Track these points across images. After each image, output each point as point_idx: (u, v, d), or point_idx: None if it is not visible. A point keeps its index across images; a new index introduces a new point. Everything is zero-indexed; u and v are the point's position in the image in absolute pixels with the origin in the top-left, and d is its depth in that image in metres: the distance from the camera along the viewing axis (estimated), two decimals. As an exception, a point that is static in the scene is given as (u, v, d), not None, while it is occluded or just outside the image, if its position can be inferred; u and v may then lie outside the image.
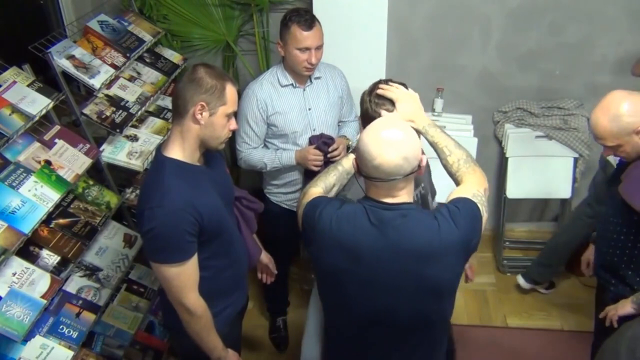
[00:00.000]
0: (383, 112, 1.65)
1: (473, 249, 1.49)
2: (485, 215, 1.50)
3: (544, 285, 3.16)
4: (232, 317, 1.91)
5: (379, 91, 1.68)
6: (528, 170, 3.21)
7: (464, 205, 1.47)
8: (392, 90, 1.67)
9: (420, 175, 1.85)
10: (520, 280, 3.15)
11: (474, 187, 1.54)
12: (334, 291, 1.56)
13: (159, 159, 1.69)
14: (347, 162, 1.70)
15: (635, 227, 1.88)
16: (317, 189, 1.64)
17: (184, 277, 1.66)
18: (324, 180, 1.68)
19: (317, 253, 1.53)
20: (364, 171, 1.45)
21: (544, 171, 3.20)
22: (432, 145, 1.64)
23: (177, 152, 1.67)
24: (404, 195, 1.46)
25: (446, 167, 1.63)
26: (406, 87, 1.72)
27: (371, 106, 1.68)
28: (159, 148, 1.72)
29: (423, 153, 1.49)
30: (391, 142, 1.39)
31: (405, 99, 1.66)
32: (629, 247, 1.92)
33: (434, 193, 2.06)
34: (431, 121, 1.66)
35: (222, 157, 1.95)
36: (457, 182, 1.60)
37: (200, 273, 1.70)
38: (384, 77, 2.96)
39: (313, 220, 1.51)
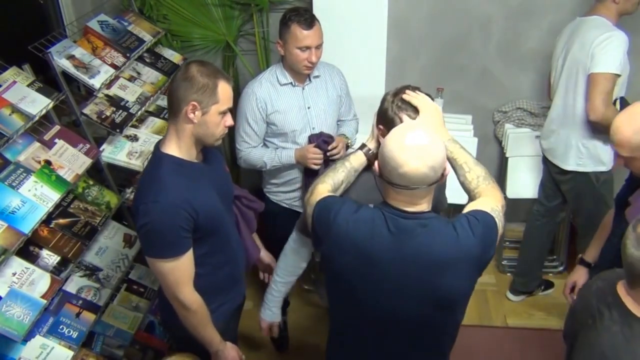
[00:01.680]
0: (404, 117, 1.59)
1: (487, 262, 1.47)
2: (500, 230, 1.49)
3: (536, 291, 3.16)
4: (228, 314, 1.92)
5: (405, 96, 1.61)
6: (528, 170, 3.21)
7: (482, 217, 1.46)
8: (418, 98, 1.62)
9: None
10: (510, 296, 3.17)
11: (493, 203, 1.52)
12: (344, 292, 1.56)
13: (157, 155, 1.70)
14: (356, 160, 1.67)
15: None
16: (325, 186, 1.62)
17: (179, 272, 1.67)
18: (332, 177, 1.64)
19: (329, 253, 1.52)
20: (387, 177, 1.42)
21: (544, 171, 3.20)
22: (451, 161, 1.59)
23: (174, 149, 1.68)
24: (425, 204, 1.44)
25: (464, 183, 1.60)
26: (432, 99, 1.66)
27: (392, 107, 1.62)
28: (158, 145, 1.73)
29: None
30: (418, 151, 1.37)
31: (430, 110, 1.60)
32: None
33: (444, 206, 2.01)
34: (451, 136, 1.63)
35: (222, 154, 1.96)
36: (475, 199, 1.58)
37: (196, 270, 1.71)
38: (383, 77, 3.01)
39: (328, 221, 1.49)
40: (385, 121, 1.62)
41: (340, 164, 1.68)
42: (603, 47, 2.36)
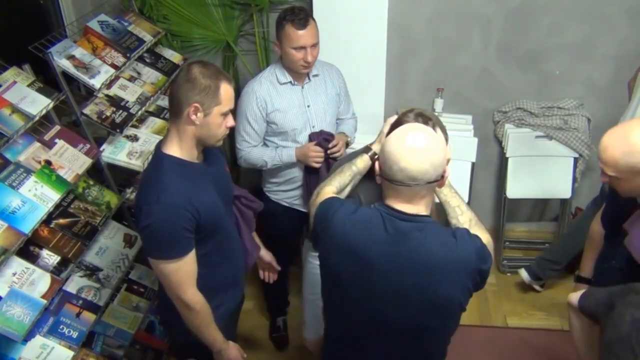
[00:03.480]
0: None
1: (481, 276, 1.45)
2: (490, 263, 1.47)
3: (540, 282, 3.13)
4: (226, 315, 1.92)
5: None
6: (528, 170, 3.21)
7: (479, 238, 1.47)
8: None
9: None
10: (523, 273, 3.11)
11: (485, 239, 1.51)
12: (337, 292, 1.56)
13: (158, 156, 1.70)
14: (361, 163, 1.68)
15: None
16: (331, 188, 1.63)
17: (182, 272, 1.67)
18: (338, 180, 1.66)
19: (325, 252, 1.53)
20: (388, 174, 1.42)
21: (544, 171, 3.20)
22: (444, 204, 1.60)
23: (175, 150, 1.68)
24: (423, 206, 1.44)
25: (456, 226, 1.59)
26: (445, 133, 1.62)
27: (406, 120, 1.61)
28: (159, 145, 1.73)
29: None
30: (419, 148, 1.39)
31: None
32: None
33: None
34: (448, 181, 1.62)
35: (222, 154, 1.96)
36: None
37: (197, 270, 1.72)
38: (383, 77, 3.01)
39: (326, 221, 1.50)
40: (396, 126, 1.60)
41: (348, 167, 1.69)
42: None
